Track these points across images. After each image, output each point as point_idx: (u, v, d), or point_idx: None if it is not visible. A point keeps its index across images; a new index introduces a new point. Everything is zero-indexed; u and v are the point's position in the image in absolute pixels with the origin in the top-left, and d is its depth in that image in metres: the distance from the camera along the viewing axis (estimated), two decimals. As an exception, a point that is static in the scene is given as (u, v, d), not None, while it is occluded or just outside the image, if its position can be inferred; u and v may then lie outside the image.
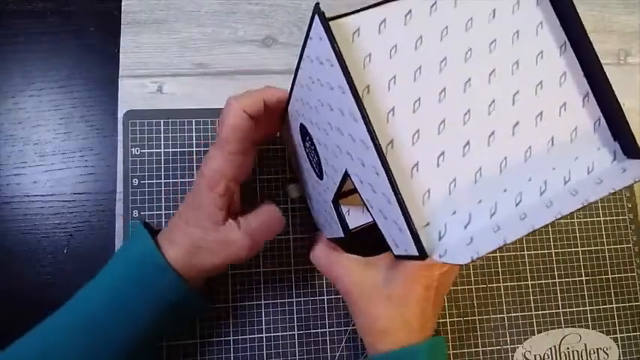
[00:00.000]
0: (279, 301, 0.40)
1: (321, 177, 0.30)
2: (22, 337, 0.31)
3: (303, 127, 0.30)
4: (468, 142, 0.21)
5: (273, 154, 0.42)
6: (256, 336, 0.39)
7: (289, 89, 0.30)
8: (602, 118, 0.22)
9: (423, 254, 0.18)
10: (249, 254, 0.33)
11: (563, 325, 0.43)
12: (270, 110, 0.32)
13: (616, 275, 0.44)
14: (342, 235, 0.30)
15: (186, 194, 0.35)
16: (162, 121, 0.41)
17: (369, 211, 0.23)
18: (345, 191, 0.29)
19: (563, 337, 0.42)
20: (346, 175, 0.24)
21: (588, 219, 0.45)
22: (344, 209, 0.30)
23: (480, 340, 0.42)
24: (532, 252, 0.43)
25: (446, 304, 0.42)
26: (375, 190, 0.21)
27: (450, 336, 0.41)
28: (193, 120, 0.41)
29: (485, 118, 0.21)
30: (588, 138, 0.22)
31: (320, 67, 0.22)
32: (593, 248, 0.44)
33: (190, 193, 0.34)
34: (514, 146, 0.21)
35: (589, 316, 0.43)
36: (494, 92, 0.22)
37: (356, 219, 0.31)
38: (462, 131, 0.21)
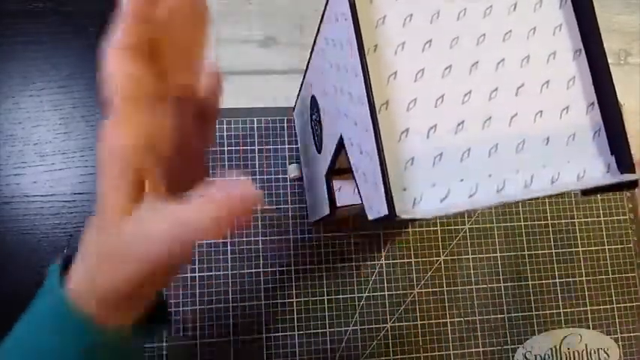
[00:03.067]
0: (279, 301, 0.40)
1: (319, 150, 0.30)
2: None
3: (313, 99, 0.30)
4: (463, 122, 0.21)
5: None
6: (256, 336, 0.39)
7: (305, 68, 0.31)
8: (603, 129, 0.23)
9: (392, 214, 0.19)
10: (171, 261, 0.21)
11: (563, 325, 0.43)
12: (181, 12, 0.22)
13: (616, 275, 0.44)
14: (327, 212, 0.31)
15: None
16: (162, 121, 0.41)
17: (354, 177, 0.23)
18: (339, 169, 0.29)
19: (564, 338, 0.42)
20: (341, 142, 0.24)
21: (588, 219, 0.45)
22: (336, 186, 0.31)
23: (480, 340, 0.41)
24: (532, 252, 0.43)
25: (446, 304, 0.42)
26: (362, 151, 0.21)
27: (450, 336, 0.41)
28: (193, 120, 0.41)
29: (484, 103, 0.22)
30: (585, 145, 0.22)
31: (335, 24, 0.22)
32: (593, 248, 0.44)
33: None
34: (508, 136, 0.21)
35: (589, 316, 0.43)
36: (499, 81, 0.22)
37: (345, 198, 0.31)
38: (459, 110, 0.21)
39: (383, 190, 0.19)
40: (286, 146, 0.42)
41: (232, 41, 0.44)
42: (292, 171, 0.41)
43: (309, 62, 0.30)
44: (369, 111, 0.19)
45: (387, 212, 0.19)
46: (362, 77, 0.20)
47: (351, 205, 0.31)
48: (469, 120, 0.21)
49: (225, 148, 0.41)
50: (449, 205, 0.20)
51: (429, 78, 0.21)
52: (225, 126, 0.42)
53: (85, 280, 0.22)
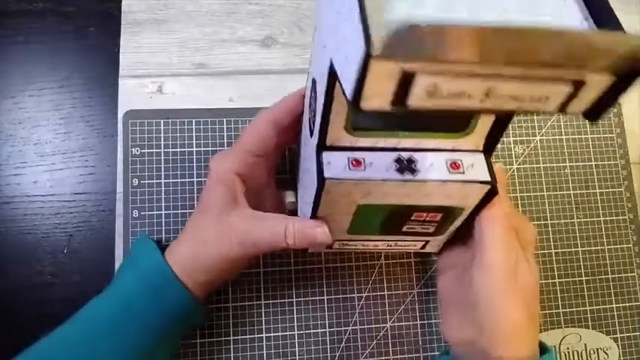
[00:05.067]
0: (279, 301, 0.40)
1: (312, 133, 0.29)
2: (25, 350, 0.30)
3: (313, 82, 0.28)
4: None
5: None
6: (256, 336, 0.39)
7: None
8: None
9: (368, 50, 0.16)
10: (242, 260, 0.33)
11: (563, 325, 0.43)
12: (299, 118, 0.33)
13: (616, 275, 0.44)
14: (314, 191, 0.28)
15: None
16: (162, 121, 0.41)
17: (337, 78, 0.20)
18: (331, 146, 0.28)
19: (563, 337, 0.42)
20: (331, 71, 0.22)
21: (588, 219, 0.45)
22: (325, 160, 0.28)
23: (480, 340, 0.41)
24: (532, 252, 0.43)
25: (446, 304, 0.42)
26: (341, 32, 0.19)
27: (450, 336, 0.41)
28: (193, 120, 0.41)
29: None
30: None
31: None
32: (593, 248, 0.44)
33: (202, 193, 0.34)
34: None
35: (589, 316, 0.43)
36: None
37: (334, 172, 0.28)
38: None
39: (361, 28, 0.16)
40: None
41: (232, 41, 0.44)
42: (289, 196, 0.39)
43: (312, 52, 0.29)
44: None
45: (363, 46, 0.16)
46: None
47: (341, 179, 0.28)
48: None
49: (226, 148, 0.41)
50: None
51: None
52: (225, 126, 0.42)
53: (188, 256, 0.32)
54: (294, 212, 0.38)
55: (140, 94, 0.42)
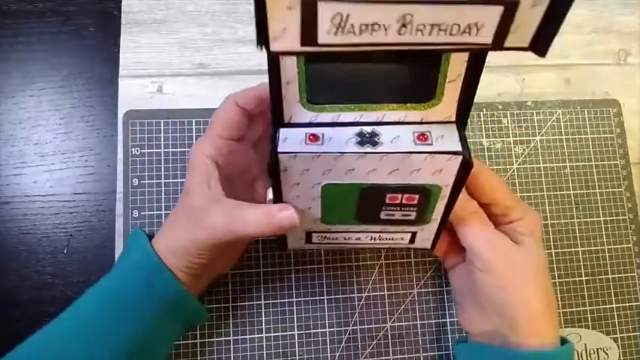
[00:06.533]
0: (279, 301, 0.40)
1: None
2: (19, 345, 0.30)
3: None
4: None
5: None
6: (256, 336, 0.39)
7: None
8: None
9: None
10: (217, 247, 0.30)
11: (563, 325, 0.43)
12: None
13: (616, 275, 0.44)
14: (271, 170, 0.27)
15: None
16: (162, 121, 0.41)
17: None
18: (290, 123, 0.27)
19: (563, 337, 0.42)
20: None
21: (588, 219, 0.45)
22: (282, 136, 0.27)
23: (480, 340, 0.41)
24: (532, 252, 0.43)
25: (446, 304, 0.42)
26: None
27: (449, 336, 0.41)
28: (193, 120, 0.41)
29: None
30: None
31: None
32: (593, 248, 0.44)
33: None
34: None
35: (589, 316, 0.43)
36: None
37: (289, 146, 0.26)
38: None
39: None
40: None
41: (231, 41, 0.44)
42: (270, 195, 0.35)
43: None
44: None
45: None
46: None
47: (295, 152, 0.26)
48: None
49: (225, 148, 0.41)
50: None
51: None
52: (225, 126, 0.42)
53: (166, 240, 0.32)
54: None
55: (140, 94, 0.42)
